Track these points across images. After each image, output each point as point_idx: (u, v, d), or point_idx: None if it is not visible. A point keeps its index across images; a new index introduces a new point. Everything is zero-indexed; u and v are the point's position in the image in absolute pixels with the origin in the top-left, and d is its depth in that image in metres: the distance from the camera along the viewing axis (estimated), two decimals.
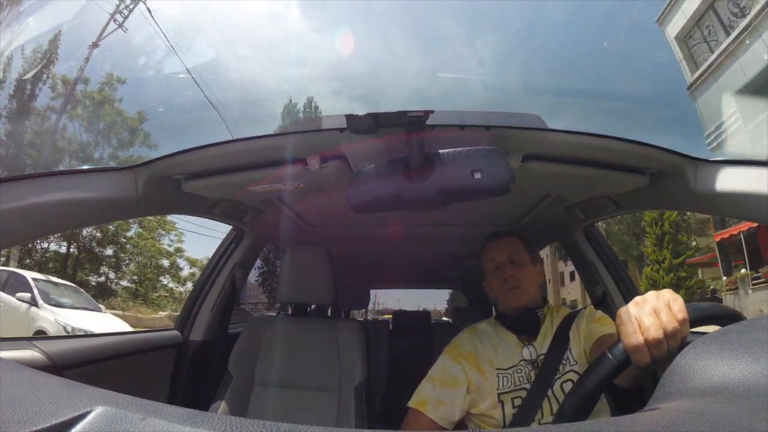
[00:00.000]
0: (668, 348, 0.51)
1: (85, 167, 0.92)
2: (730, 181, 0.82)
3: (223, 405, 1.19)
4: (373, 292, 3.53)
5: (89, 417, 0.29)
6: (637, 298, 0.57)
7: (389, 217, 1.54)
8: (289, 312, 1.64)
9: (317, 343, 1.31)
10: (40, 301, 5.64)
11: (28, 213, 0.78)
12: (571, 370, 0.94)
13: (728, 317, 0.52)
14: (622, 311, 0.56)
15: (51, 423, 0.28)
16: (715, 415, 0.28)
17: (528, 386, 0.94)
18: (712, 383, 0.32)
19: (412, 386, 1.01)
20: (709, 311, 0.55)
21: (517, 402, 0.94)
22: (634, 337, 0.52)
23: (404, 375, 1.16)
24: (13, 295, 5.65)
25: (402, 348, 2.54)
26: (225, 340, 1.62)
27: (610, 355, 0.54)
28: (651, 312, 0.53)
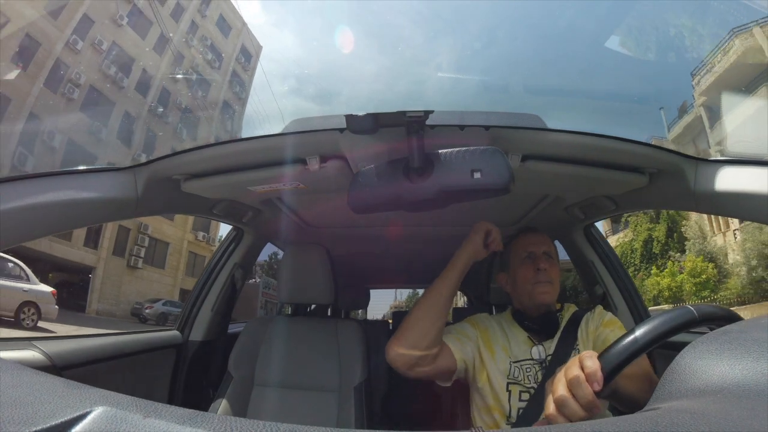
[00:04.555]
0: (582, 405, 0.51)
1: (84, 167, 0.92)
2: (729, 180, 0.81)
3: (223, 405, 1.19)
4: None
5: (89, 417, 0.29)
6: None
7: (389, 218, 1.53)
8: (289, 312, 1.64)
9: (317, 344, 1.31)
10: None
11: (28, 213, 0.78)
12: None
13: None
14: (547, 385, 0.59)
15: (51, 423, 0.28)
16: (715, 415, 0.28)
17: (536, 386, 0.95)
18: (712, 383, 0.32)
19: (411, 386, 1.01)
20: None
21: (525, 396, 0.95)
22: (549, 409, 0.54)
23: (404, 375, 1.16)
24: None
25: None
26: (225, 340, 1.62)
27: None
28: (559, 383, 0.55)
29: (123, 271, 12.11)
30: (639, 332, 0.49)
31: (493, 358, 0.99)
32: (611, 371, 0.50)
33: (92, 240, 11.20)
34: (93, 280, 10.83)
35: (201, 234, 14.04)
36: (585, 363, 0.51)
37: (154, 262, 13.01)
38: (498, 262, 1.22)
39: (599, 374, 0.49)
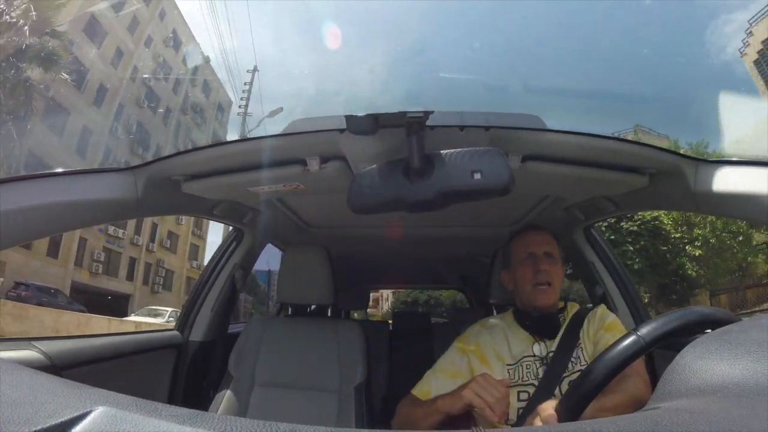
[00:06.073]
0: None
1: (85, 168, 0.92)
2: (729, 181, 0.81)
3: (223, 405, 1.19)
4: None
5: (89, 417, 0.29)
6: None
7: (389, 218, 1.53)
8: (289, 312, 1.64)
9: (317, 344, 1.31)
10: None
11: (28, 214, 0.78)
12: (580, 371, 0.94)
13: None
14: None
15: (51, 423, 0.28)
16: (715, 415, 0.28)
17: (536, 382, 0.95)
18: (712, 383, 0.32)
19: (412, 386, 1.01)
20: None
21: (524, 396, 0.94)
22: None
23: (404, 375, 1.16)
24: None
25: (402, 348, 2.55)
26: (225, 340, 1.62)
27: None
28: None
29: (149, 296, 17.70)
30: (595, 370, 0.52)
31: (491, 369, 0.98)
32: (573, 413, 0.53)
33: (130, 274, 17.14)
34: (131, 303, 16.37)
35: (194, 263, 20.17)
36: (541, 415, 0.57)
37: (165, 287, 18.97)
38: (500, 260, 1.22)
39: (553, 421, 0.55)
